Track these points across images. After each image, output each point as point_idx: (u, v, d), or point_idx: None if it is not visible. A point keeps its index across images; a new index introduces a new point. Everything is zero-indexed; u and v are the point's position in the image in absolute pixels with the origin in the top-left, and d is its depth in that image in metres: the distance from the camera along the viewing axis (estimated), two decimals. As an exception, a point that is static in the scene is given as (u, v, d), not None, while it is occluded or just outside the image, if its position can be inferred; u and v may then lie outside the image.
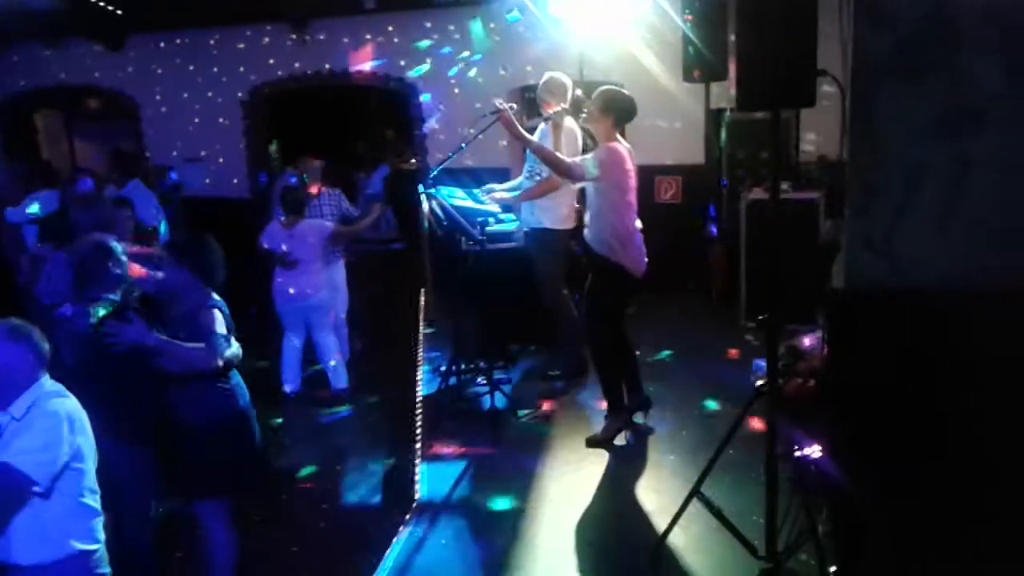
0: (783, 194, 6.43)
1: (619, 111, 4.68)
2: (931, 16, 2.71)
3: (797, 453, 3.42)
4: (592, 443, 4.81)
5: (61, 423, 2.72)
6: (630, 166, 4.65)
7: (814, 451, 3.34)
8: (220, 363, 3.39)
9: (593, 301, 4.78)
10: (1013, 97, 2.71)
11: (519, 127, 4.75)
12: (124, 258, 3.60)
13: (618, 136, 4.68)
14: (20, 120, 10.67)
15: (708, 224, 7.69)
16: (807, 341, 4.96)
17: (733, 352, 6.22)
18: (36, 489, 2.65)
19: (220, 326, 3.46)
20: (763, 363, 3.42)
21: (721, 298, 7.41)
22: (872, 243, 2.82)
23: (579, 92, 5.69)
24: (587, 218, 4.80)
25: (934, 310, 2.72)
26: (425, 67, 8.84)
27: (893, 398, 2.78)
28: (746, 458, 3.73)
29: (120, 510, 3.30)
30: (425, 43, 8.81)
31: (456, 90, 8.82)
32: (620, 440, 4.84)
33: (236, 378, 3.61)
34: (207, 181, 9.68)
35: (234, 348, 3.57)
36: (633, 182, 4.68)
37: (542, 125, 5.51)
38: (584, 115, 4.94)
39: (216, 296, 3.59)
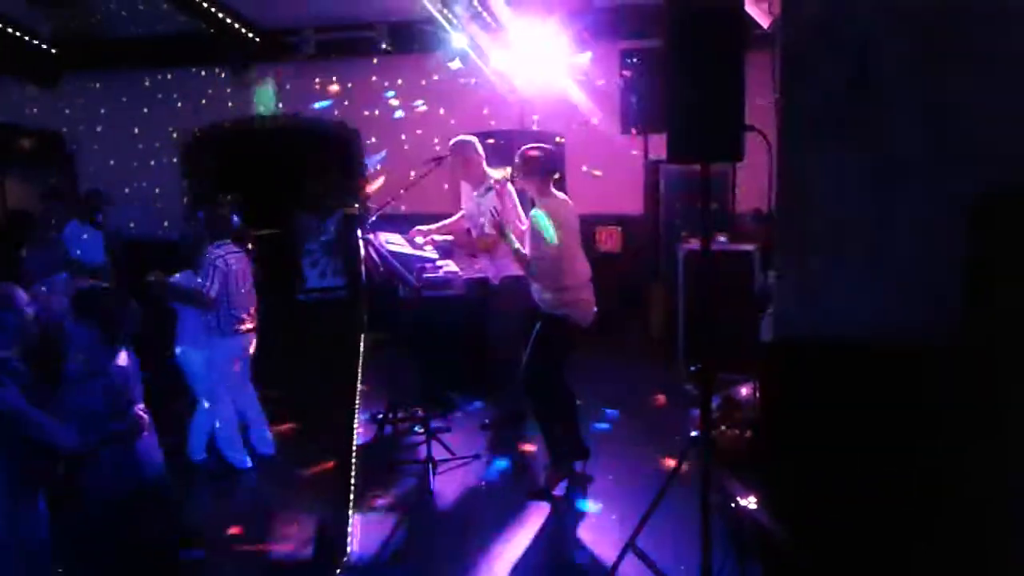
0: (719, 245, 6.58)
1: (542, 167, 4.66)
2: (855, 77, 2.81)
3: (732, 504, 3.42)
4: (533, 495, 4.75)
5: None
6: (567, 215, 4.65)
7: (750, 502, 3.34)
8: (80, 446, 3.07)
9: (537, 350, 4.73)
10: (934, 156, 2.80)
11: (506, 227, 4.73)
12: (28, 309, 3.28)
13: (552, 189, 4.70)
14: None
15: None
16: (744, 391, 5.00)
17: (672, 402, 6.23)
18: None
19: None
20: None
21: (660, 347, 7.46)
22: (800, 296, 2.86)
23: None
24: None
25: (859, 362, 2.76)
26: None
27: (823, 449, 2.80)
28: (684, 509, 3.70)
29: None
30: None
31: (401, 135, 8.86)
32: (560, 490, 4.78)
33: (145, 443, 3.33)
34: (167, 225, 9.48)
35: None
36: (574, 231, 4.69)
37: (490, 194, 5.31)
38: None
39: (120, 357, 3.30)
